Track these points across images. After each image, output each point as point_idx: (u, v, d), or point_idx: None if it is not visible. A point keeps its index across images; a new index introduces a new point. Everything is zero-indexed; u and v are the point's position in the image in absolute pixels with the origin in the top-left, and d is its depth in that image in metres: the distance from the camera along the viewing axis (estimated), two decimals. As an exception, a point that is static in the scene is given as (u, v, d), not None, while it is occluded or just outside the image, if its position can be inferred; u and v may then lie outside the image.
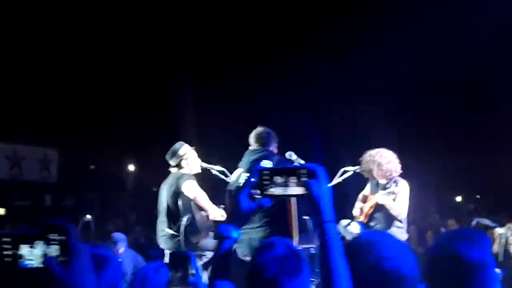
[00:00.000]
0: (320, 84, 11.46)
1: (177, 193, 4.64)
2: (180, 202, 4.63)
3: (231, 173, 4.76)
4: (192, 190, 4.66)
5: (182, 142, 4.89)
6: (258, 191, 1.66)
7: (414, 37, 10.25)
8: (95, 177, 15.36)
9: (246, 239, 4.08)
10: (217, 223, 4.64)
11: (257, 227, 4.22)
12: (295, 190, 1.65)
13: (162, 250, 4.82)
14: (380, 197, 5.21)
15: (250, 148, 4.59)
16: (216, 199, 4.88)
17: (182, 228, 4.55)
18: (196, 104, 12.75)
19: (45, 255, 1.18)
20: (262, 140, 4.52)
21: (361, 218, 6.01)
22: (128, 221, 12.40)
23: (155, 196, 4.93)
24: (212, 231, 4.74)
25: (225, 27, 11.06)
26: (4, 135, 12.13)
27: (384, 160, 5.22)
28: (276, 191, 1.65)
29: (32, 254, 1.19)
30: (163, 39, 11.34)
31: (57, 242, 1.19)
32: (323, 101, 11.41)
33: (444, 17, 10.44)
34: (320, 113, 11.70)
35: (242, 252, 4.18)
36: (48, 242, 1.19)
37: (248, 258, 3.97)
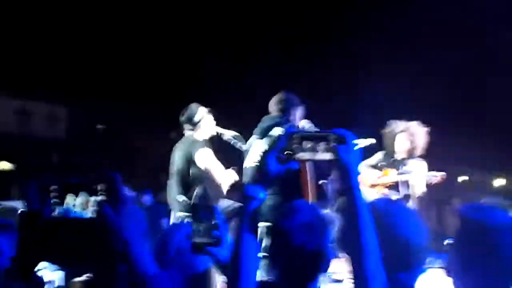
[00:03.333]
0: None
1: (189, 161, 4.39)
2: (192, 171, 4.39)
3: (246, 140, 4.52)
4: (205, 161, 4.38)
5: (197, 105, 4.60)
6: (287, 155, 1.65)
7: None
8: (104, 137, 15.26)
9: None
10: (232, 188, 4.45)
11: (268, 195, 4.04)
12: (324, 155, 1.65)
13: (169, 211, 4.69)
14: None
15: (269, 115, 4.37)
16: (222, 162, 4.58)
17: (193, 199, 4.35)
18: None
19: (95, 203, 1.15)
20: (280, 107, 4.30)
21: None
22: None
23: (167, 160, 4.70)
24: (223, 198, 4.56)
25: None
26: (12, 89, 11.99)
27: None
28: (304, 155, 1.66)
29: (77, 203, 1.23)
30: None
31: (103, 192, 1.21)
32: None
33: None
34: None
35: None
36: (94, 192, 1.17)
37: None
